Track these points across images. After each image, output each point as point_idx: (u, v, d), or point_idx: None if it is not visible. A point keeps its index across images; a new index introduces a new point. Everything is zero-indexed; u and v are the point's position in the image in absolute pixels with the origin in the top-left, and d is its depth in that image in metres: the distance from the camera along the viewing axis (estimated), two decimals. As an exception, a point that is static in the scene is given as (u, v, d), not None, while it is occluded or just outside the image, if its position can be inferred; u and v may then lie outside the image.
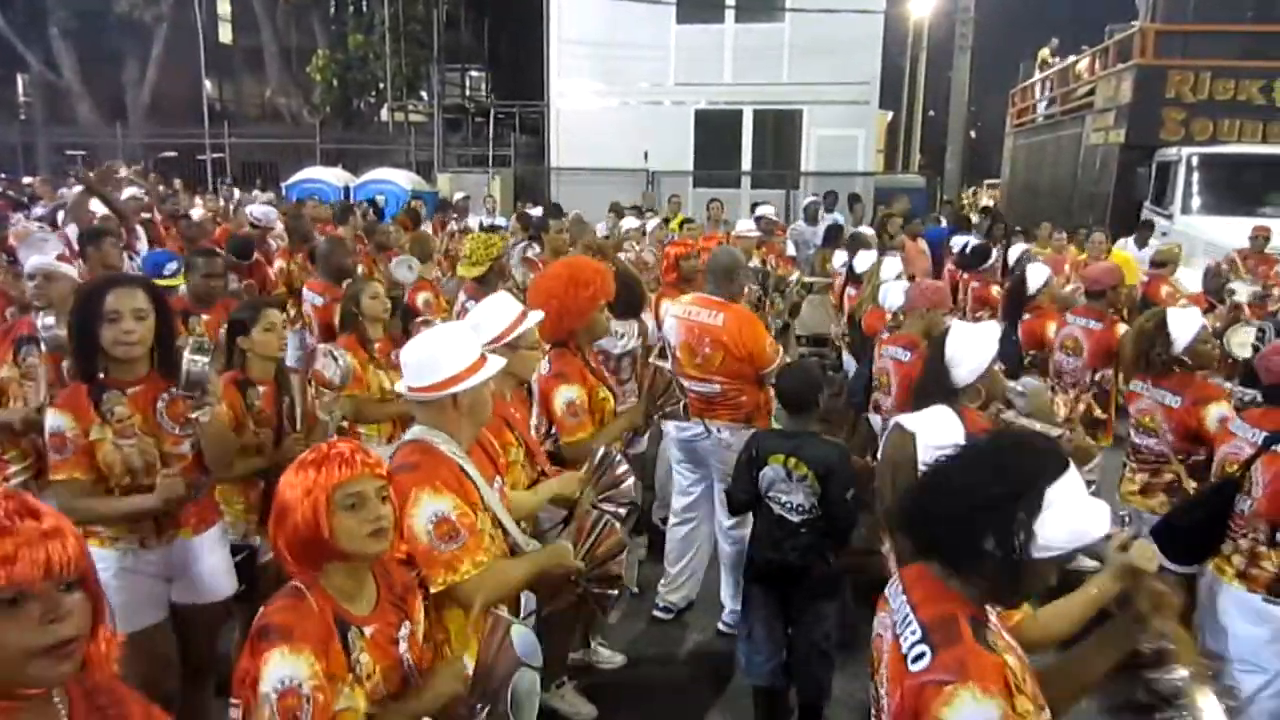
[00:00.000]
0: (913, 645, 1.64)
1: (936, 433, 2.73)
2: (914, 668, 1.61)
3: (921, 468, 2.60)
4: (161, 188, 9.25)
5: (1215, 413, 3.71)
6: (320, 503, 1.86)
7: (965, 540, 1.67)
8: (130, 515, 2.91)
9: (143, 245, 6.74)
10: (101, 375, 2.90)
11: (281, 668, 1.75)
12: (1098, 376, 5.25)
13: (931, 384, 3.05)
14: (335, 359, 3.67)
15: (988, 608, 1.73)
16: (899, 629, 1.70)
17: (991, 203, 23.08)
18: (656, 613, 4.66)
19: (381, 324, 4.54)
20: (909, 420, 2.85)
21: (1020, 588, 1.72)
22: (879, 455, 3.04)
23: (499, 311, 2.96)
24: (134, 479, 2.88)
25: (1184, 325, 3.90)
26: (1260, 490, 2.98)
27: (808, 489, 3.42)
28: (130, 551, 2.94)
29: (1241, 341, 4.80)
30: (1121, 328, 5.11)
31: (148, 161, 17.51)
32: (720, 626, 4.53)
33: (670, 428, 4.60)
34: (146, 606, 2.98)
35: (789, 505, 3.47)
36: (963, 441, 2.56)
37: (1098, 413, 5.21)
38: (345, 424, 4.13)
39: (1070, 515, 1.64)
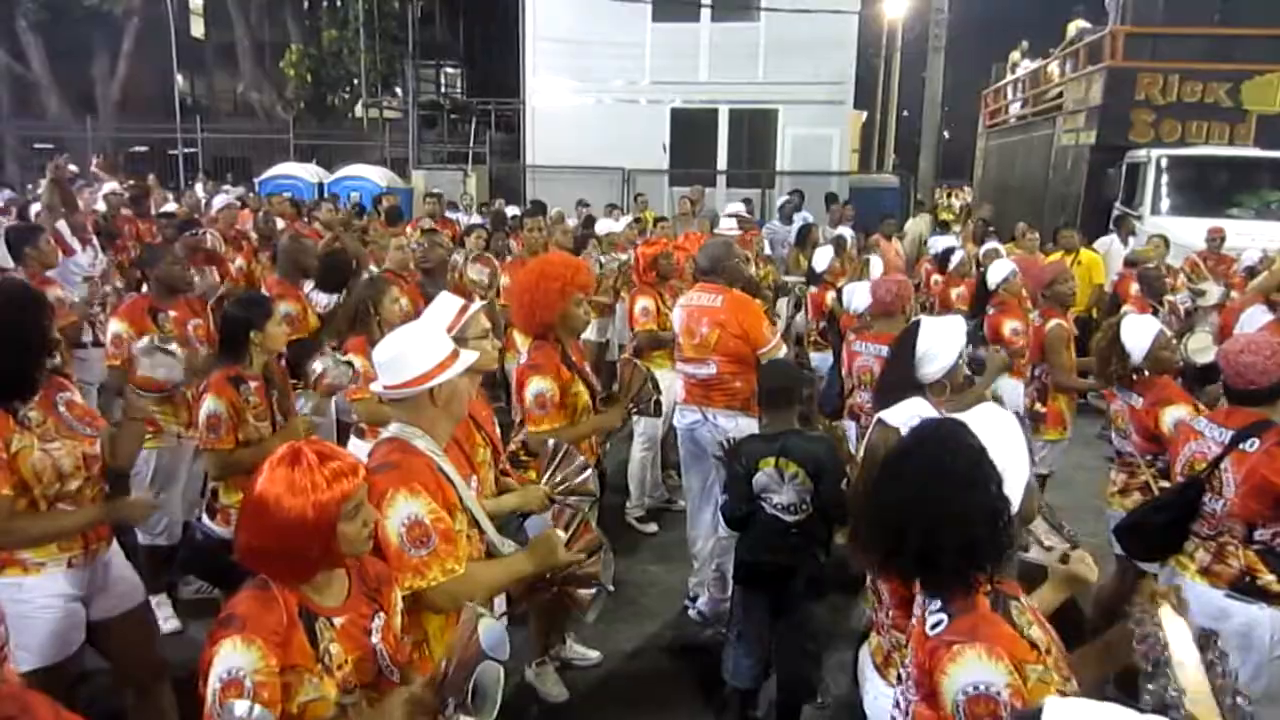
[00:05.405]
0: (933, 613, 1.75)
1: None
2: (931, 632, 1.72)
3: None
4: (130, 184, 9.07)
5: (1172, 414, 3.73)
6: (334, 517, 1.85)
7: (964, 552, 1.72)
8: (77, 529, 2.77)
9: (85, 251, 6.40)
10: None
11: (231, 658, 1.77)
12: (1038, 371, 5.32)
13: (898, 378, 3.07)
14: (336, 364, 3.64)
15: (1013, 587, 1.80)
16: (924, 607, 1.80)
17: (958, 203, 23.27)
18: (686, 602, 4.72)
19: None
20: (891, 415, 2.81)
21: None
22: (862, 451, 3.03)
23: (441, 309, 2.96)
24: (62, 485, 2.73)
25: (1138, 336, 3.91)
26: (1233, 490, 2.99)
27: (799, 486, 3.42)
28: (58, 575, 2.77)
29: (1200, 348, 4.77)
30: (1053, 322, 5.18)
31: (118, 157, 17.26)
32: (691, 613, 4.60)
33: (676, 418, 4.71)
34: (71, 634, 2.82)
35: (780, 505, 3.46)
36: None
37: (1037, 406, 5.29)
38: (364, 427, 4.06)
39: (1015, 469, 1.77)
